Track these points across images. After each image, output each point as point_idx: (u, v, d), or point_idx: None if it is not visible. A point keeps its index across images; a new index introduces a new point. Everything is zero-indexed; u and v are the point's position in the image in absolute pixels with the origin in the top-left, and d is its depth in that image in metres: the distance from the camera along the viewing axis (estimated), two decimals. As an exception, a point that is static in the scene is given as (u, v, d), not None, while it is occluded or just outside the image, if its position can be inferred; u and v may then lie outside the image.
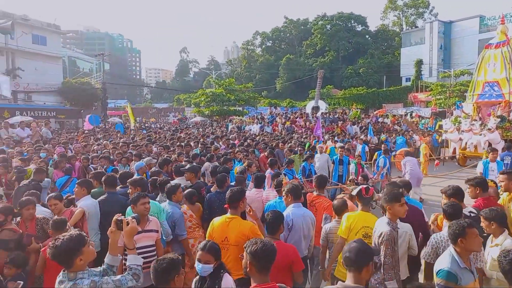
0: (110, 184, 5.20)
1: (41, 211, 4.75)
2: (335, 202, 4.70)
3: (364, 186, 4.26)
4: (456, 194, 4.27)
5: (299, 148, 10.74)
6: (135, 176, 5.63)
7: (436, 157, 15.96)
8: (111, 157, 9.04)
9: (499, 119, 14.60)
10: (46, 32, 32.14)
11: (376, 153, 11.51)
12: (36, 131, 14.15)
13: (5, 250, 3.54)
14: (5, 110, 22.45)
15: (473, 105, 16.63)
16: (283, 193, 4.51)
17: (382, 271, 3.28)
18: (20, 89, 29.18)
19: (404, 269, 3.79)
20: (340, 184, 8.92)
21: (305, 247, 4.28)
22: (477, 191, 4.57)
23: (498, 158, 8.95)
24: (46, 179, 6.68)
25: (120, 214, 2.91)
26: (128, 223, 2.80)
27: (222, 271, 2.87)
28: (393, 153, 13.36)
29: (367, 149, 13.50)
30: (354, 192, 4.29)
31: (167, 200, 4.79)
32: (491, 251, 3.51)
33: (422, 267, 3.95)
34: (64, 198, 5.10)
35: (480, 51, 20.11)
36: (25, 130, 14.31)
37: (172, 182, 5.25)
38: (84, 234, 2.63)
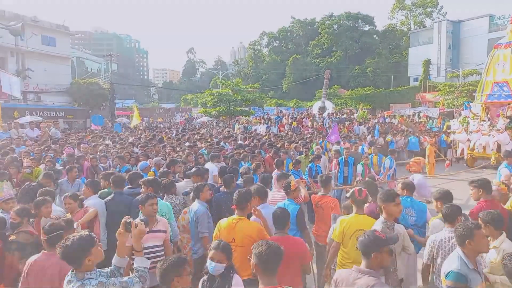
0: (117, 184, 5.26)
1: (56, 211, 4.83)
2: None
3: (357, 188, 4.21)
4: (442, 197, 4.19)
5: (304, 149, 10.73)
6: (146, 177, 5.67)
7: (445, 157, 15.84)
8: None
9: (508, 120, 14.44)
10: (55, 33, 32.52)
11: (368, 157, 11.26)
12: (45, 131, 14.29)
13: (22, 254, 3.58)
14: (15, 110, 22.69)
15: (482, 106, 16.47)
16: None
17: None
18: (30, 89, 29.54)
19: (402, 268, 3.83)
20: (345, 186, 8.90)
21: None
22: (480, 193, 4.54)
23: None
24: (77, 180, 6.79)
25: (129, 216, 2.94)
26: (136, 226, 2.83)
27: (231, 271, 2.91)
28: (408, 160, 13.22)
29: (366, 149, 13.39)
30: (348, 195, 4.27)
31: (196, 199, 4.83)
32: (489, 253, 3.50)
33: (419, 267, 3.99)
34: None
35: (489, 50, 19.89)
36: (34, 131, 14.46)
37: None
38: (94, 235, 2.67)
